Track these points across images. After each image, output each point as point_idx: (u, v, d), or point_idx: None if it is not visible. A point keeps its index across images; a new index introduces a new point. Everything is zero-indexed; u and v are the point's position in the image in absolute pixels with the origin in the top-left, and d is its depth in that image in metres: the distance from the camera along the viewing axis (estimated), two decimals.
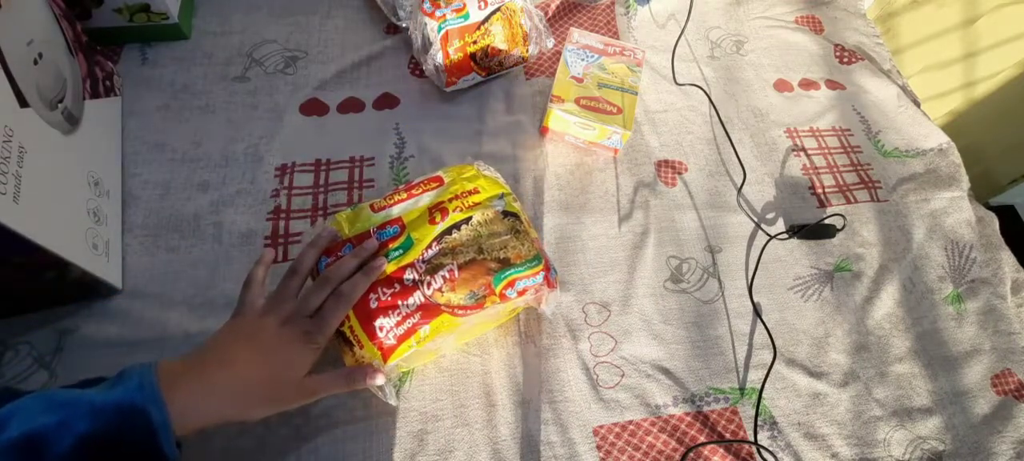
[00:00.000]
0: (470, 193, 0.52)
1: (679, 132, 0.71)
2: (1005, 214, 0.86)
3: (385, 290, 0.46)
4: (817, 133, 0.74)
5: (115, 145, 0.60)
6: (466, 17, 0.63)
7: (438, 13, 0.63)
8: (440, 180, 0.53)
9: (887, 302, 0.62)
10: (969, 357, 0.60)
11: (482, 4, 0.64)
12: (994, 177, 0.91)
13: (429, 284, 0.47)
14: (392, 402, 0.47)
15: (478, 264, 0.48)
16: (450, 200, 0.51)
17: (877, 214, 0.68)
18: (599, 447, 0.51)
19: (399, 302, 0.46)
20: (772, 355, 0.57)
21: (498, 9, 0.65)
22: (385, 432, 0.49)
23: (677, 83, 0.75)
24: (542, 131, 0.68)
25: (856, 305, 0.61)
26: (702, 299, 0.60)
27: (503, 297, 0.48)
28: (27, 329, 0.50)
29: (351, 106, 0.67)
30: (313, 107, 0.66)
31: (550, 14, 0.78)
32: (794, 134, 0.73)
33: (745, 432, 0.53)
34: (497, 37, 0.66)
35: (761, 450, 0.52)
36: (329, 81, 0.69)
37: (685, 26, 0.80)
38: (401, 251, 0.48)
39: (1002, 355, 0.61)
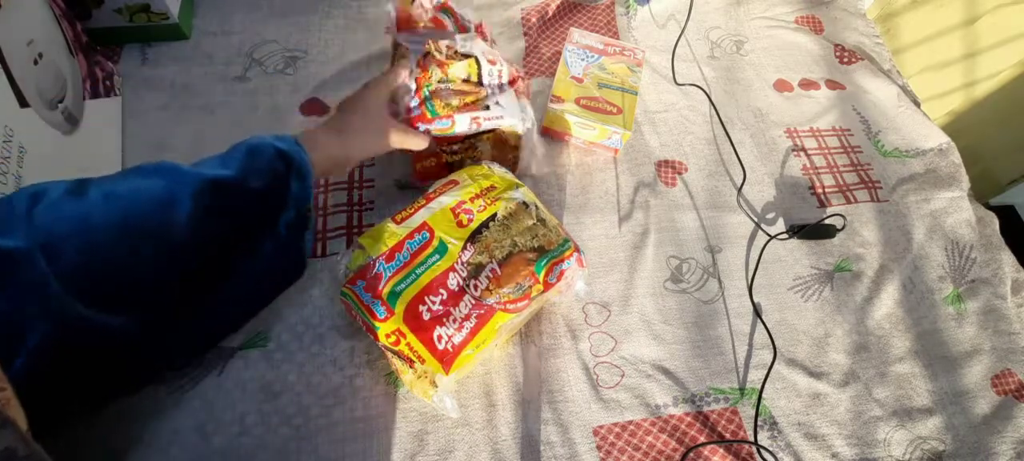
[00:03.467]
0: (488, 190, 0.52)
1: (679, 132, 0.71)
2: (1005, 214, 0.86)
3: (433, 300, 0.46)
4: (817, 133, 0.74)
5: (115, 145, 0.60)
6: (452, 130, 0.54)
7: (415, 110, 0.53)
8: (455, 182, 0.53)
9: (887, 302, 0.62)
10: (969, 357, 0.60)
11: (475, 123, 0.54)
12: (994, 177, 0.91)
13: (475, 286, 0.47)
14: (454, 414, 0.48)
15: (516, 257, 0.49)
16: (471, 199, 0.51)
17: (877, 214, 0.68)
18: (599, 447, 0.51)
19: (451, 310, 0.46)
20: (772, 355, 0.57)
21: (492, 130, 0.56)
22: (385, 432, 0.49)
23: (677, 83, 0.75)
24: (542, 131, 0.67)
25: (856, 305, 0.61)
26: (702, 299, 0.60)
27: (547, 284, 0.49)
28: None
29: None
30: (313, 107, 0.66)
31: (550, 14, 0.78)
32: (794, 134, 0.73)
33: (745, 432, 0.53)
34: (484, 153, 0.59)
35: (761, 450, 0.52)
36: (329, 81, 0.68)
37: (685, 26, 0.80)
38: (438, 256, 0.48)
39: (1002, 355, 0.61)
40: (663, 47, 0.78)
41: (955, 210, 0.69)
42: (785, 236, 0.64)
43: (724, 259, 0.62)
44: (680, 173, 0.68)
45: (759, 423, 0.53)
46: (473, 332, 0.46)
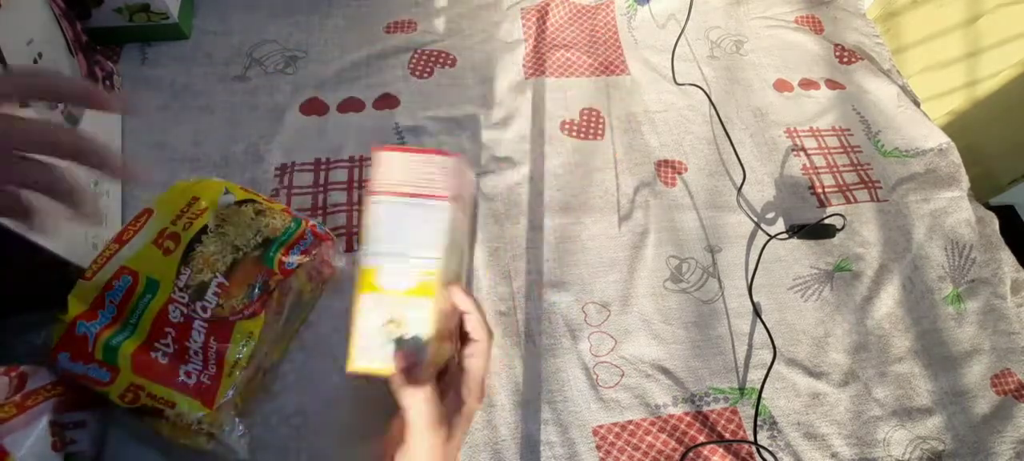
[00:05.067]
0: (191, 204, 0.48)
1: (679, 132, 0.71)
2: (1005, 214, 0.85)
3: (162, 342, 0.43)
4: (817, 133, 0.74)
5: (115, 145, 0.60)
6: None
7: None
8: (149, 211, 0.48)
9: (887, 302, 0.62)
10: (969, 357, 0.60)
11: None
12: (994, 177, 0.91)
13: (204, 307, 0.44)
14: (244, 456, 0.44)
15: (243, 261, 0.46)
16: (174, 222, 0.47)
17: (877, 214, 0.68)
18: (599, 447, 0.51)
19: (185, 343, 0.43)
20: (772, 355, 0.57)
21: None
22: (384, 432, 0.49)
23: (677, 83, 0.75)
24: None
25: (856, 305, 0.61)
26: (702, 299, 0.60)
27: (284, 270, 0.46)
28: (27, 329, 0.50)
29: (351, 106, 0.67)
30: (313, 107, 0.66)
31: (550, 14, 0.78)
32: (794, 134, 0.73)
33: (745, 432, 0.53)
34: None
35: (761, 450, 0.52)
36: (329, 81, 0.69)
37: (685, 26, 0.80)
38: (150, 295, 0.44)
39: (1002, 355, 0.61)
40: (663, 47, 0.78)
41: (955, 210, 0.69)
42: (785, 236, 0.64)
43: (724, 259, 0.62)
44: (680, 173, 0.68)
45: (759, 423, 0.53)
46: (220, 353, 0.43)
